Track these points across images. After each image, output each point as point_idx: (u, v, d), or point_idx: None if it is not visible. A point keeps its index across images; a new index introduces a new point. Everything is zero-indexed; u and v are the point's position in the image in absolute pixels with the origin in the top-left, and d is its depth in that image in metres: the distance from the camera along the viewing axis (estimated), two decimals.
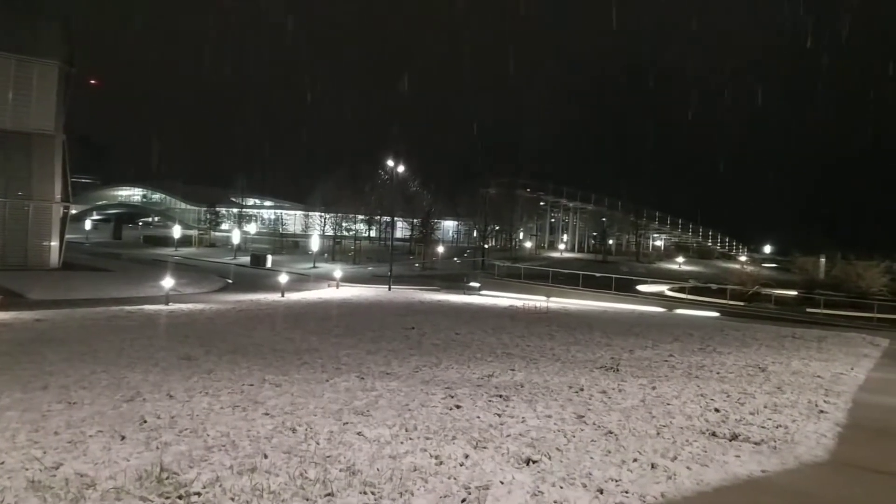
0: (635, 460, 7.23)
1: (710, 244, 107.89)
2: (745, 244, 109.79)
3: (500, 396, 10.26)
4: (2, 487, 5.61)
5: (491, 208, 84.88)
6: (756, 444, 8.20)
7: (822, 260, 52.07)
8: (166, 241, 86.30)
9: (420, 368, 13.12)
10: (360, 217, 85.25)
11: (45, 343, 15.19)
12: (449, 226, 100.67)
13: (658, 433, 8.46)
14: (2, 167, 38.80)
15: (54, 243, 40.74)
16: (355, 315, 24.55)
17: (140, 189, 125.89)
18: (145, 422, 8.01)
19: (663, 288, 47.80)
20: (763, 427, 9.07)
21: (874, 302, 35.13)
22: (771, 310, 36.49)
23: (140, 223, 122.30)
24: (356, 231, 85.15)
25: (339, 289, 39.96)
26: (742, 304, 38.41)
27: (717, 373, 13.84)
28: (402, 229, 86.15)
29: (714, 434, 8.55)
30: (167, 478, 5.97)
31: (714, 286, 44.69)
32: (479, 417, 8.81)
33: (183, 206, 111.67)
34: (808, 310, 35.77)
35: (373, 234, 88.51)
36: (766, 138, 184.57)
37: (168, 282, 27.98)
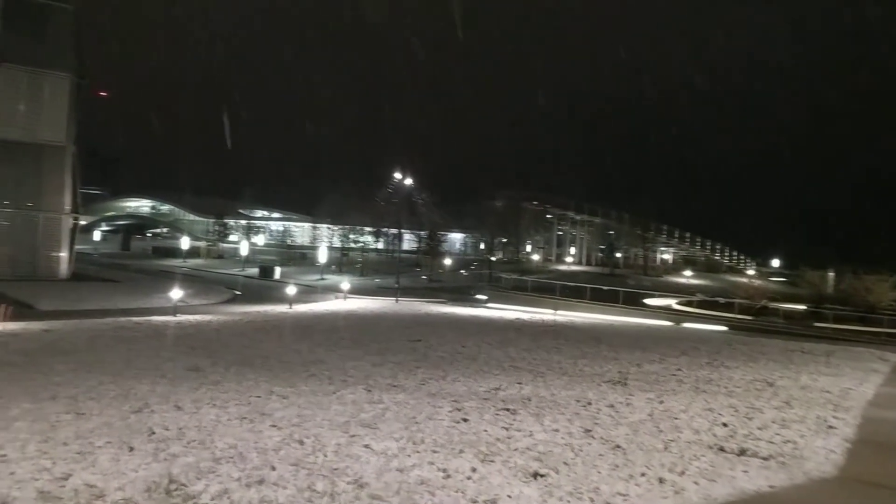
0: (643, 475, 7.21)
1: (717, 258, 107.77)
2: (753, 258, 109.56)
3: (508, 410, 10.26)
4: (13, 498, 5.65)
5: (498, 221, 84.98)
6: (764, 459, 8.17)
7: (831, 274, 51.91)
8: (175, 253, 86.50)
9: (427, 381, 13.11)
10: (368, 229, 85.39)
11: (54, 353, 15.24)
12: (456, 238, 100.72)
13: (666, 448, 8.44)
14: (13, 178, 39.08)
15: (63, 254, 40.93)
16: (362, 327, 24.56)
17: (149, 200, 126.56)
18: (153, 433, 8.03)
19: (671, 301, 47.70)
20: (771, 442, 9.04)
21: (883, 317, 34.98)
22: (779, 324, 36.35)
23: (149, 234, 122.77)
24: (363, 243, 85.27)
25: (346, 300, 39.97)
26: (750, 318, 38.27)
27: (725, 387, 13.80)
28: (409, 241, 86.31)
29: (722, 449, 8.53)
30: (176, 489, 5.99)
31: (722, 300, 44.58)
32: (486, 431, 8.80)
33: (191, 217, 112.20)
34: (817, 324, 35.64)
35: (380, 246, 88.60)
36: (774, 153, 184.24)
37: (176, 293, 28.02)
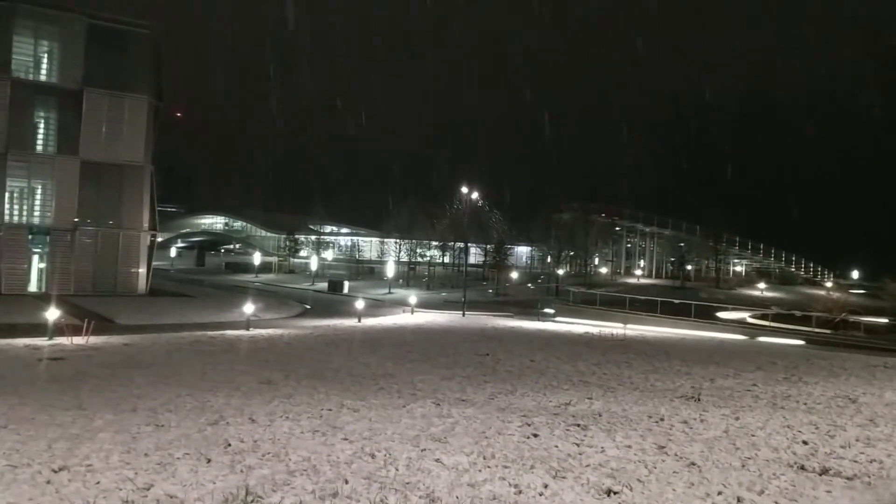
0: (720, 493, 7.03)
1: (793, 269, 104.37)
2: (831, 269, 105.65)
3: (578, 425, 10.14)
4: None
5: (565, 233, 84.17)
6: (848, 479, 7.86)
7: None
8: (247, 268, 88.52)
9: (495, 395, 13.07)
10: (434, 243, 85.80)
11: (133, 367, 15.77)
12: (522, 251, 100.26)
13: (743, 465, 8.21)
14: (95, 198, 40.70)
15: (142, 270, 42.34)
16: (430, 341, 24.66)
17: (222, 217, 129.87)
18: (229, 445, 8.21)
19: (745, 315, 46.48)
20: (855, 461, 8.69)
21: None
22: (860, 338, 35.02)
23: (222, 250, 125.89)
24: (430, 257, 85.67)
25: (413, 314, 40.20)
26: (828, 331, 36.99)
27: (804, 403, 13.35)
28: (475, 255, 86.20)
29: (803, 468, 8.24)
30: (252, 501, 6.11)
31: (798, 313, 43.18)
32: (556, 446, 8.72)
33: (263, 233, 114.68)
34: None
35: (446, 259, 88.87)
36: (853, 160, 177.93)
37: (248, 307, 28.67)
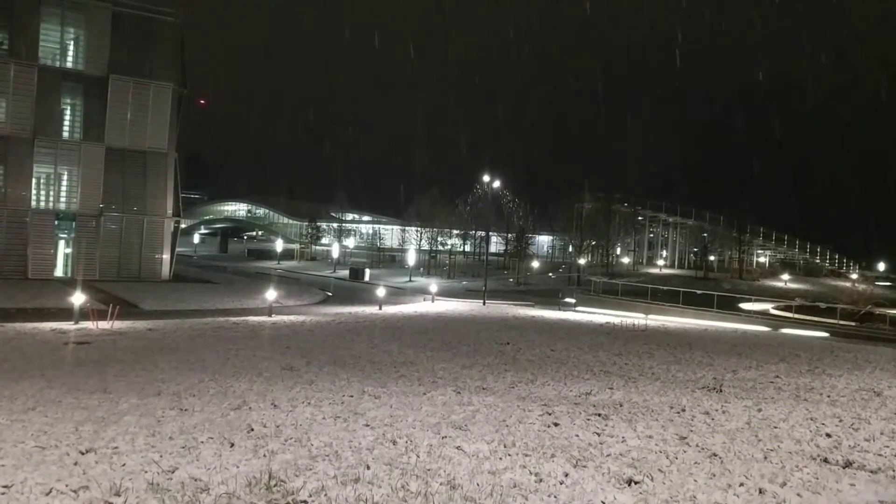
0: (742, 485, 6.99)
1: (817, 261, 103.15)
2: (856, 261, 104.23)
3: (599, 415, 10.12)
4: (125, 488, 5.93)
5: (587, 223, 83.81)
6: (872, 472, 7.78)
7: None
8: (269, 255, 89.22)
9: (516, 384, 13.08)
10: (455, 232, 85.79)
11: (157, 351, 15.96)
12: (544, 241, 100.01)
13: (765, 457, 8.15)
14: (120, 184, 41.12)
15: (166, 256, 42.78)
16: (450, 329, 24.70)
17: (245, 204, 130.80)
18: (252, 430, 8.29)
19: (768, 306, 46.10)
20: (880, 454, 8.60)
21: None
22: (886, 331, 34.62)
23: (245, 237, 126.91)
24: (451, 246, 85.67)
25: (434, 303, 40.29)
26: (853, 324, 36.61)
27: (828, 396, 13.24)
28: (496, 244, 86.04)
29: (826, 460, 8.17)
30: (275, 485, 6.16)
31: (823, 305, 42.75)
32: (577, 436, 8.71)
33: (285, 220, 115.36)
34: None
35: (467, 248, 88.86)
36: (881, 149, 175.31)
37: (271, 294, 28.88)
